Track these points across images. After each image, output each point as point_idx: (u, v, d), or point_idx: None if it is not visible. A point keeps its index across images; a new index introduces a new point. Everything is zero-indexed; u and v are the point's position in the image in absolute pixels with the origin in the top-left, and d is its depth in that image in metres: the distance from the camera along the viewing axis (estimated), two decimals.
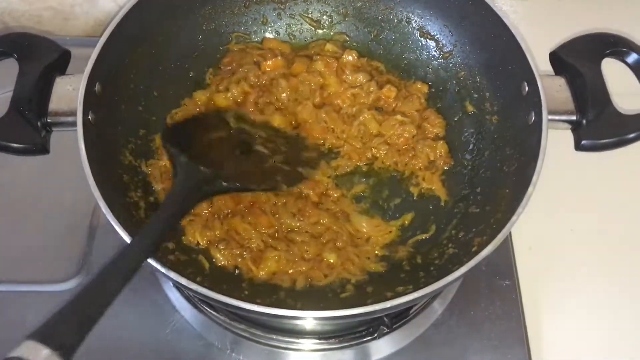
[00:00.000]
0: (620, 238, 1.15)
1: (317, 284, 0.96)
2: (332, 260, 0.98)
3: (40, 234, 1.12)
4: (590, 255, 1.13)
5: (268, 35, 1.21)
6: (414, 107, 1.12)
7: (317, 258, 0.98)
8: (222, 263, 0.97)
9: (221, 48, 1.18)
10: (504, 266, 1.09)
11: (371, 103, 1.13)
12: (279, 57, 1.15)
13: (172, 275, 0.81)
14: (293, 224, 1.01)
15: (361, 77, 1.14)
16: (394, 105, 1.13)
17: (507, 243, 1.11)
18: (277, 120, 1.10)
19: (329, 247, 0.99)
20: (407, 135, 1.09)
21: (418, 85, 1.15)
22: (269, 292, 0.95)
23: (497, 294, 1.06)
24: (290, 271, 0.97)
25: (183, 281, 0.80)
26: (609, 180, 1.20)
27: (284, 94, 1.13)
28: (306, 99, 1.13)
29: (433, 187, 1.07)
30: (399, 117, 1.10)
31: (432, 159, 1.08)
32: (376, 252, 1.01)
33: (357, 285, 0.97)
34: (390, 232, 1.03)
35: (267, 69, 1.14)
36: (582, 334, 1.07)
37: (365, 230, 1.02)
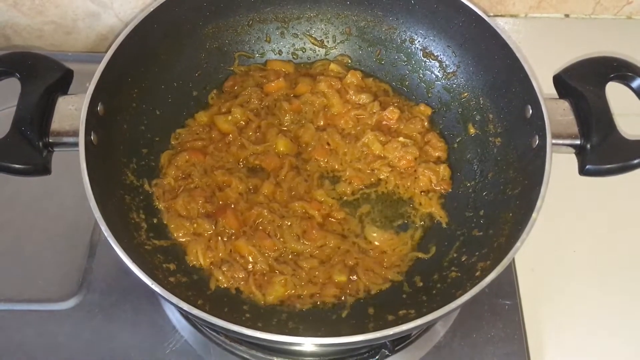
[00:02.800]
0: (622, 260, 1.14)
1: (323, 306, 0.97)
2: (343, 280, 0.97)
3: (40, 252, 1.11)
4: (593, 277, 1.12)
5: (271, 54, 1.21)
6: (416, 129, 1.12)
7: (327, 281, 0.98)
8: (225, 285, 0.97)
9: (225, 67, 1.18)
10: (506, 287, 1.08)
11: (374, 124, 1.12)
12: (282, 79, 1.15)
13: (174, 300, 0.80)
14: (299, 247, 1.00)
15: (364, 97, 1.14)
16: (396, 127, 1.13)
17: (510, 264, 1.09)
18: (280, 144, 1.09)
19: (338, 269, 0.98)
20: (409, 157, 1.08)
21: (421, 108, 1.15)
22: (270, 314, 0.94)
23: (500, 315, 1.06)
24: (304, 293, 0.96)
25: (185, 306, 0.80)
26: (611, 201, 1.19)
27: (286, 117, 1.12)
28: (309, 122, 1.12)
29: (432, 211, 1.06)
30: (401, 139, 1.10)
31: (434, 182, 1.08)
32: (393, 262, 1.01)
33: (359, 305, 0.96)
34: (406, 244, 1.03)
35: (270, 91, 1.14)
36: (585, 356, 1.06)
37: (377, 244, 1.02)
